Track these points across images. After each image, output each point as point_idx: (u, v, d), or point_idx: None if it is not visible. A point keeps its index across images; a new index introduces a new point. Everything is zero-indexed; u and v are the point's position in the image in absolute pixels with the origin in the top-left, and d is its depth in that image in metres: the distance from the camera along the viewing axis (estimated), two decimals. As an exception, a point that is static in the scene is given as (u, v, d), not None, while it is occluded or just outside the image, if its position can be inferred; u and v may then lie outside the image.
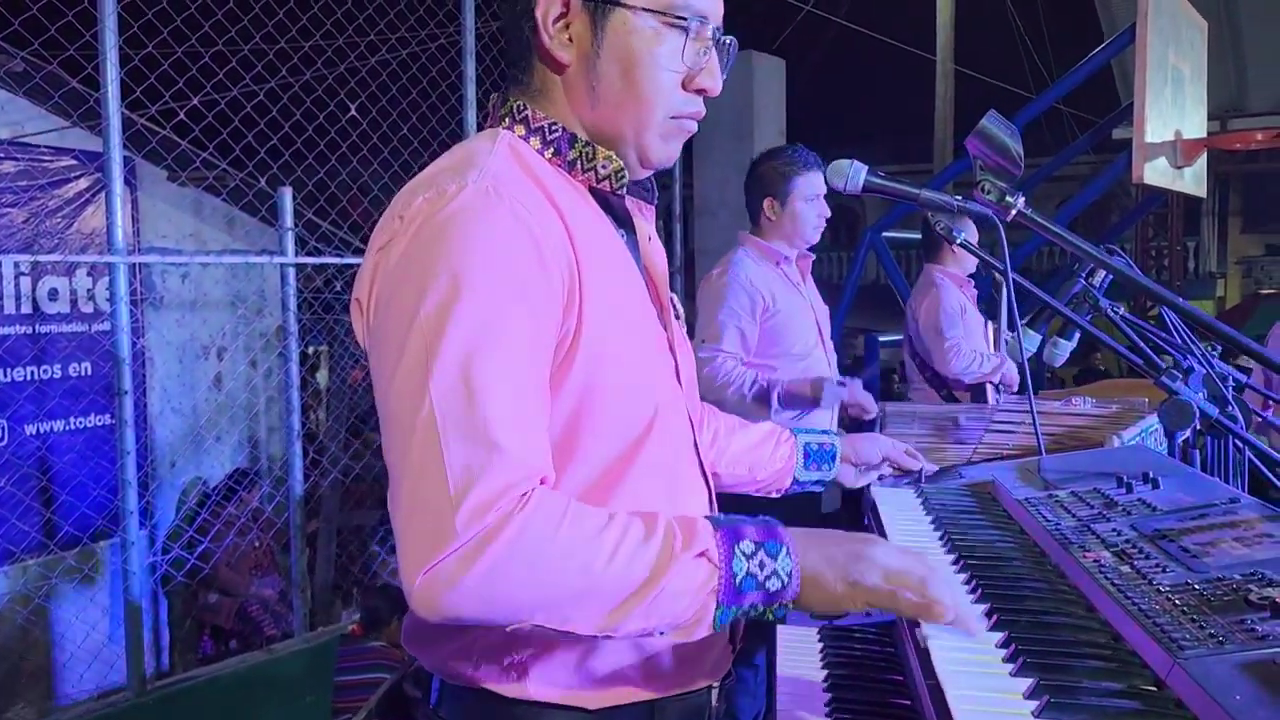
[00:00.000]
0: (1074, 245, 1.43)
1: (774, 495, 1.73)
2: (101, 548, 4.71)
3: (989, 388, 4.15)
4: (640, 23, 1.18)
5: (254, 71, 4.48)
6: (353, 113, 4.66)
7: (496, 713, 1.19)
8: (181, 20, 3.94)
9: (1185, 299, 1.73)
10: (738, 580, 1.05)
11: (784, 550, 1.07)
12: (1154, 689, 0.98)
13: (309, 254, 4.42)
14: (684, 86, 1.22)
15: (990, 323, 4.34)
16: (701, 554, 1.05)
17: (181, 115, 4.14)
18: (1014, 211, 1.44)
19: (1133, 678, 1.00)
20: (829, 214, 3.28)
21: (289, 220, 3.83)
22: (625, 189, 1.26)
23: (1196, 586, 1.13)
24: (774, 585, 1.06)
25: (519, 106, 1.24)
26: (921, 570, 1.10)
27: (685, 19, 1.19)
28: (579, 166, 1.23)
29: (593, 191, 1.25)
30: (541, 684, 1.18)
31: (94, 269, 4.98)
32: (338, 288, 5.22)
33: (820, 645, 1.69)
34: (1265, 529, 1.28)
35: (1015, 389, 4.10)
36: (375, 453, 5.12)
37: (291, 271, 3.85)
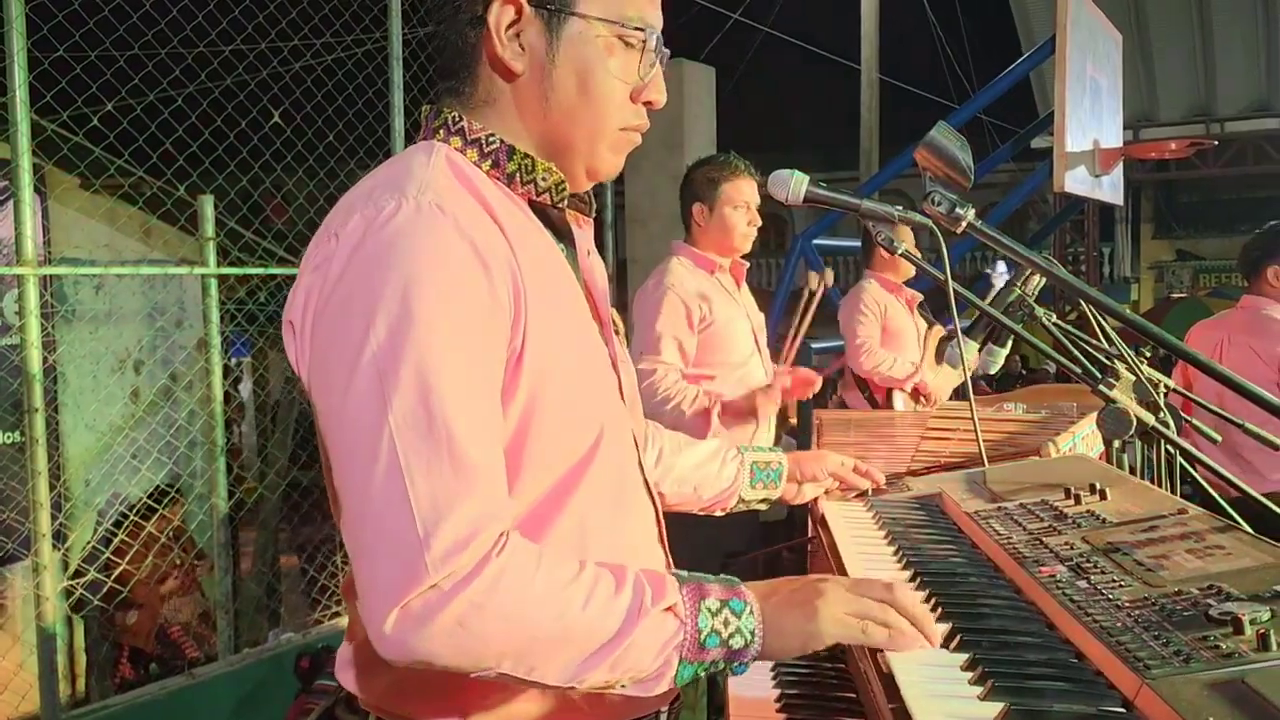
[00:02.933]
0: (1024, 256, 1.43)
1: (718, 514, 1.70)
2: (12, 572, 4.50)
3: (896, 394, 4.20)
4: (595, 33, 1.15)
5: (171, 76, 4.32)
6: (276, 119, 4.53)
7: None
8: (94, 22, 3.78)
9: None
10: (702, 637, 1.05)
11: (748, 609, 1.08)
12: (1123, 711, 0.97)
13: (231, 264, 4.27)
14: (631, 99, 1.20)
15: (929, 327, 4.39)
16: (669, 609, 1.05)
17: (95, 121, 3.98)
18: (964, 223, 1.43)
19: (1101, 700, 0.99)
20: (760, 223, 3.26)
21: (210, 229, 3.70)
22: (565, 202, 1.23)
23: (1155, 601, 1.13)
24: (737, 643, 1.07)
25: (454, 118, 1.19)
26: (881, 595, 1.12)
27: (642, 30, 1.17)
28: (518, 180, 1.19)
29: (531, 205, 1.21)
30: (485, 718, 1.13)
31: (1, 280, 4.77)
32: (261, 299, 5.07)
33: (771, 664, 1.65)
34: (1216, 540, 1.28)
35: (932, 399, 4.14)
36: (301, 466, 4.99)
37: (214, 283, 3.72)
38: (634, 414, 1.33)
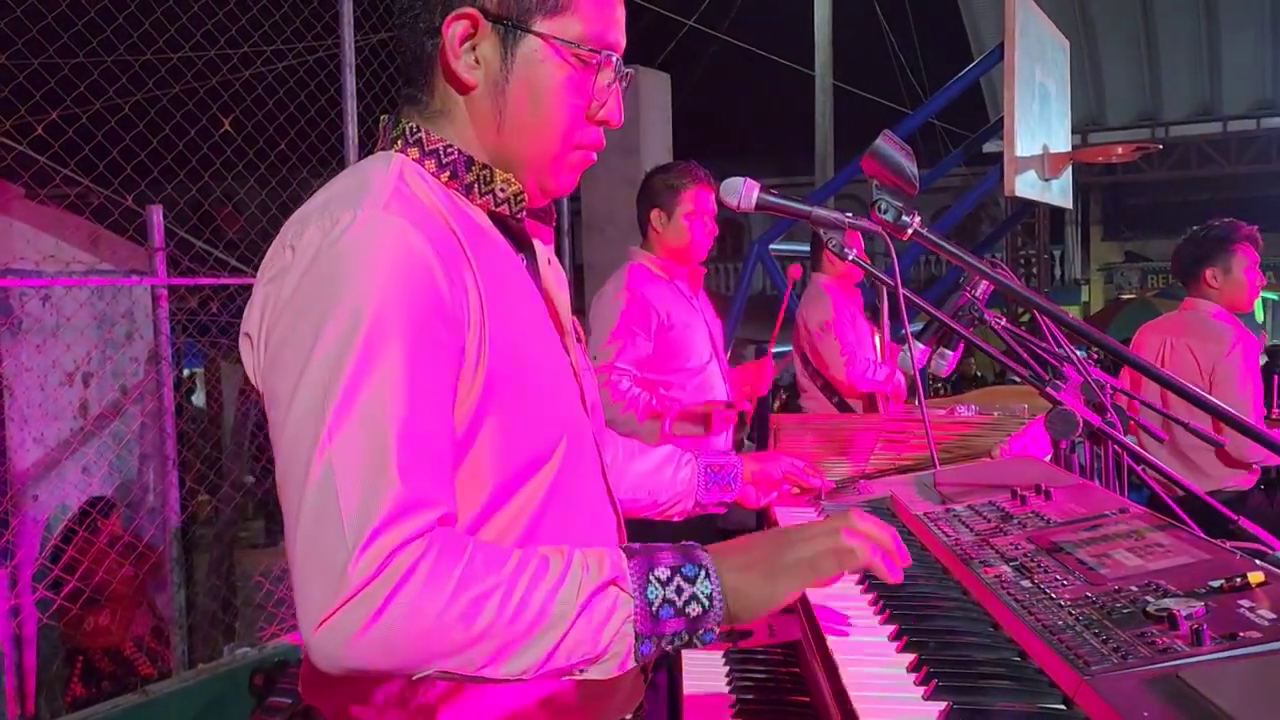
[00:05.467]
0: (968, 263, 1.45)
1: (675, 519, 1.71)
2: (-43, 590, 4.39)
3: (879, 397, 4.24)
4: (551, 52, 1.15)
5: (118, 84, 4.26)
6: (226, 127, 4.49)
7: None
8: (38, 30, 3.72)
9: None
10: (654, 609, 1.01)
11: (702, 573, 1.03)
12: (1063, 708, 0.99)
13: (182, 274, 4.21)
14: (587, 118, 1.20)
15: (876, 330, 4.44)
16: (611, 582, 1.01)
17: (39, 130, 3.92)
18: (910, 230, 1.46)
19: (1042, 697, 1.01)
20: (716, 232, 3.27)
21: (159, 239, 3.65)
22: (524, 212, 1.23)
23: (1096, 599, 1.15)
24: (694, 610, 1.02)
25: (412, 128, 1.18)
26: (837, 526, 1.10)
27: (597, 53, 1.17)
28: (477, 190, 1.18)
29: (491, 215, 1.21)
30: None
31: (-56, 293, 4.66)
32: (213, 309, 5.00)
33: (726, 668, 1.67)
34: (1155, 538, 1.31)
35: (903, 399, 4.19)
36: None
37: (164, 293, 3.68)
38: (596, 423, 1.33)
